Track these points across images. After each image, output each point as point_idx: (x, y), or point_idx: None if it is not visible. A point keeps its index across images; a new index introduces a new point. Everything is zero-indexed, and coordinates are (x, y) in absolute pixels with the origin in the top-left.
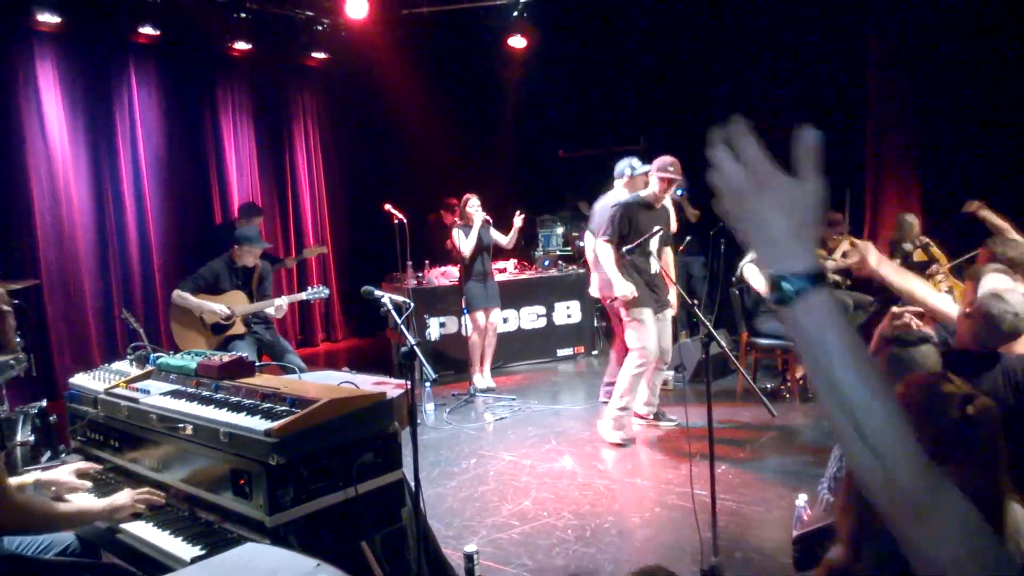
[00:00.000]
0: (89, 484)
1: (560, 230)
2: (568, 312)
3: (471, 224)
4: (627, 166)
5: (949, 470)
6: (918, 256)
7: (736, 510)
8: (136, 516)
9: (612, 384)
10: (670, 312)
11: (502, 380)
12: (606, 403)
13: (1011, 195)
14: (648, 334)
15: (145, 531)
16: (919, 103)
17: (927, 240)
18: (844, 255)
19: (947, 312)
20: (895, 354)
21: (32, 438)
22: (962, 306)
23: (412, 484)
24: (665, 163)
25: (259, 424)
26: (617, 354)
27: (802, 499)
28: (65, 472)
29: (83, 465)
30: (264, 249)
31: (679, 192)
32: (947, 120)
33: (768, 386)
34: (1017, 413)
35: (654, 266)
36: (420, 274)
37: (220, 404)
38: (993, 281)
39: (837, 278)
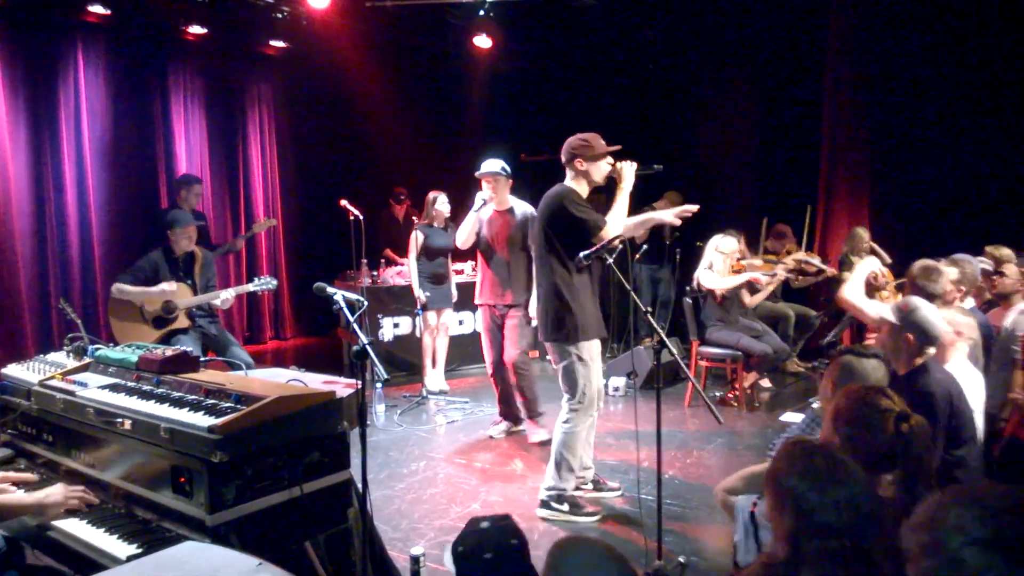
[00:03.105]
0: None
1: None
2: None
3: (435, 224)
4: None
5: (884, 478)
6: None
7: (681, 514)
8: (70, 513)
9: None
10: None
11: (455, 383)
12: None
13: (960, 214)
14: None
15: (78, 528)
16: (873, 124)
17: (873, 244)
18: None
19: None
20: (848, 363)
21: None
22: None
23: (359, 485)
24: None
25: (202, 420)
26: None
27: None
28: None
29: None
30: (199, 226)
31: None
32: (898, 142)
33: (717, 394)
34: None
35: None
36: (375, 273)
37: (161, 399)
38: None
39: (791, 277)
